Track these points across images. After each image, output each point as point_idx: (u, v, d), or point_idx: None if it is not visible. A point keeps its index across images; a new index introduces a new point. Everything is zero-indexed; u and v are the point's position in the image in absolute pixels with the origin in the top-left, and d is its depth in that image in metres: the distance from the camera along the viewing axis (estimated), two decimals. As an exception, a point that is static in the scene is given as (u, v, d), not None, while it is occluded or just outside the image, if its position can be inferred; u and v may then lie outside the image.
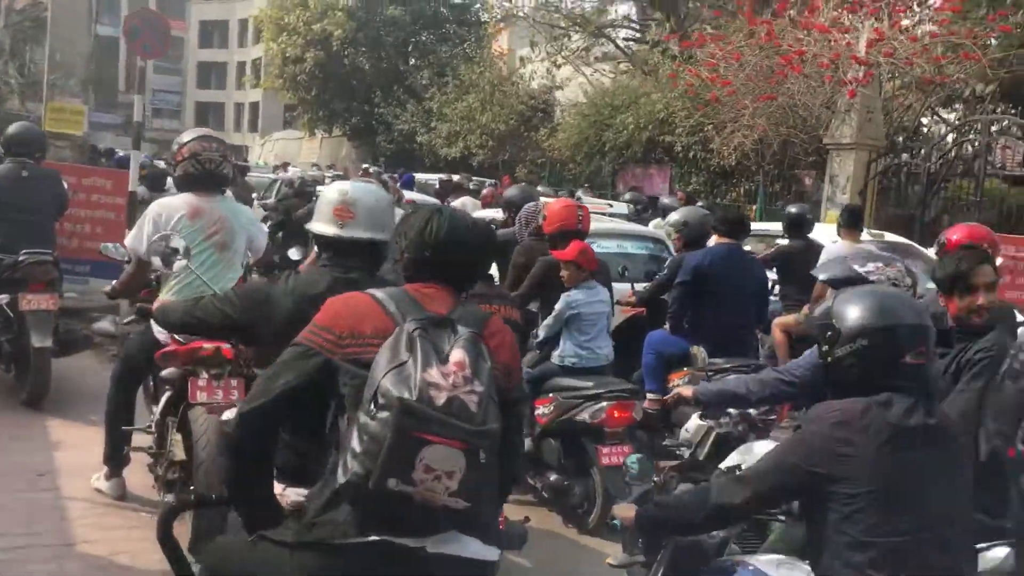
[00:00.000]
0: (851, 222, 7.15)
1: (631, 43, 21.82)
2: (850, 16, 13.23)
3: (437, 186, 14.53)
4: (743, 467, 2.76)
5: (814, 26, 12.80)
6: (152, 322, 3.73)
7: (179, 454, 3.59)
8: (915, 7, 12.77)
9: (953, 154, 12.59)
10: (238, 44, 66.05)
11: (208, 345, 3.53)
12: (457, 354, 1.83)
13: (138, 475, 4.30)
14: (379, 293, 2.04)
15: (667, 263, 5.97)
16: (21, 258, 5.40)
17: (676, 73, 14.53)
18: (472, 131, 22.68)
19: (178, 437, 3.63)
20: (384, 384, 1.78)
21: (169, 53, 64.27)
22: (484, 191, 13.09)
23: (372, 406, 1.78)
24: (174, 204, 4.01)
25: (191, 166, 3.99)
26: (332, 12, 26.11)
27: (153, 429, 3.93)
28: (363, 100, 29.02)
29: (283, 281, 2.76)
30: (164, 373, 3.77)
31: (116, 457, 4.24)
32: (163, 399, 3.83)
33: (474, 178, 18.63)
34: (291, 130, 40.48)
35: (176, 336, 3.65)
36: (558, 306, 4.72)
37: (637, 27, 21.22)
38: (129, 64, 44.79)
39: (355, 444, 1.80)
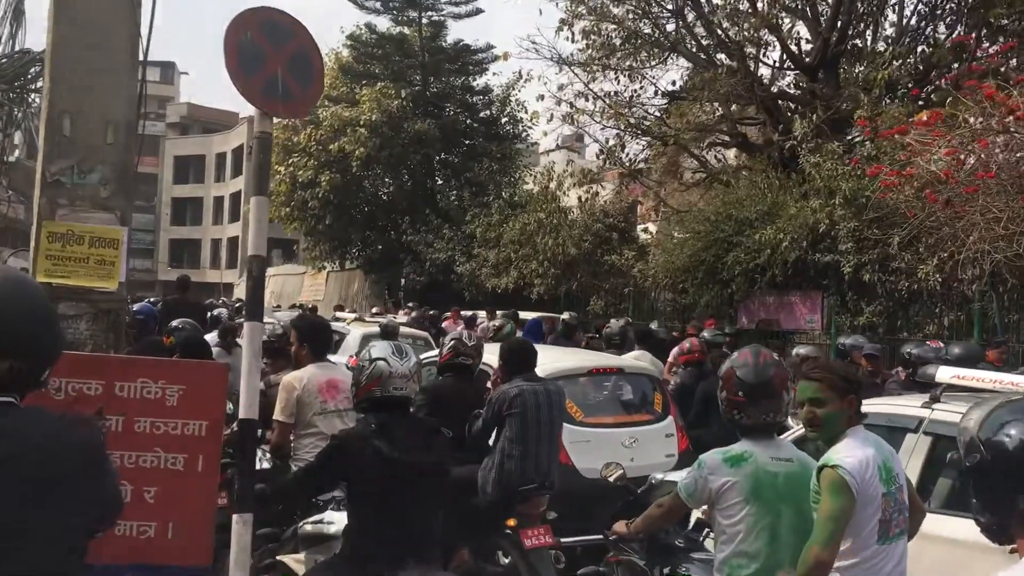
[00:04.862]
0: None
1: (719, 148, 18.57)
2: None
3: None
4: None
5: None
6: None
7: None
8: None
9: None
10: (215, 179, 63.81)
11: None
12: None
13: None
14: None
15: None
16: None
17: (878, 170, 10.93)
18: (530, 257, 18.87)
19: None
20: None
21: (142, 189, 61.27)
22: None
23: None
24: None
25: None
26: (353, 129, 22.45)
27: None
28: (383, 228, 25.24)
29: None
30: None
31: None
32: None
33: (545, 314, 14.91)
34: (290, 264, 36.49)
35: None
36: None
37: (727, 135, 17.92)
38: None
39: None
